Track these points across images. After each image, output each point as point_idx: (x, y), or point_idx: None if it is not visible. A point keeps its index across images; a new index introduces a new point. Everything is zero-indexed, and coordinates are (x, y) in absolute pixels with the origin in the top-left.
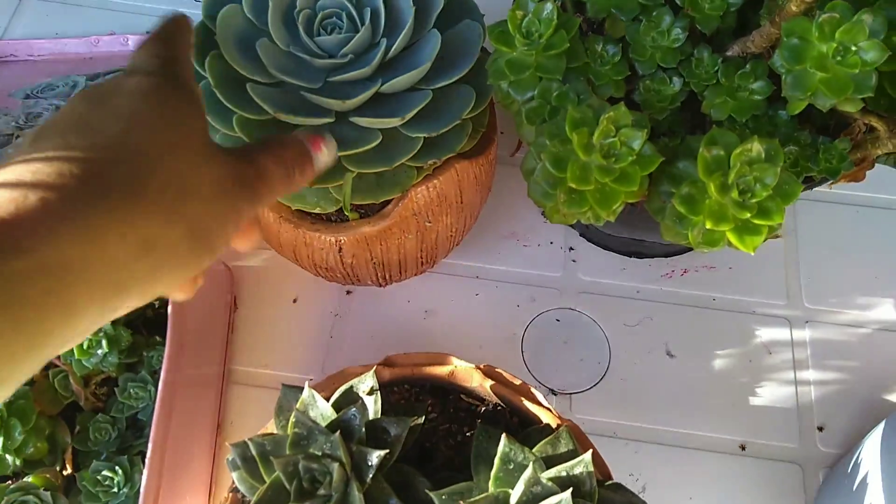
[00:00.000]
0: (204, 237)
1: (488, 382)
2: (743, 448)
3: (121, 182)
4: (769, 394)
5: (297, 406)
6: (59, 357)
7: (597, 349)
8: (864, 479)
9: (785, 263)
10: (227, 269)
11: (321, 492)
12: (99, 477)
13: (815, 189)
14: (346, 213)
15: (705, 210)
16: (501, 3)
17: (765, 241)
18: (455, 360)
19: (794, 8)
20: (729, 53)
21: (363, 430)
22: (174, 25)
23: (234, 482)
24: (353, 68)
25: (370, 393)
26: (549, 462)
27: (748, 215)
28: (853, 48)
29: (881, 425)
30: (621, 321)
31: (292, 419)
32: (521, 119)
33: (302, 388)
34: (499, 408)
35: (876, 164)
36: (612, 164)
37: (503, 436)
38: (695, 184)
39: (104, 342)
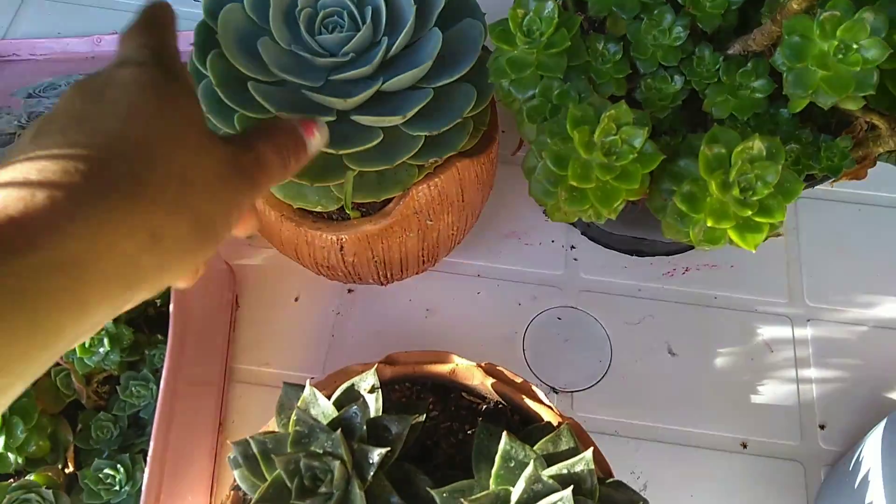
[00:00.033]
0: (209, 225)
1: (489, 380)
2: (744, 446)
3: (125, 176)
4: (771, 392)
5: (299, 404)
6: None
7: (598, 347)
8: (866, 476)
9: (786, 262)
10: (228, 267)
11: (322, 490)
12: (101, 475)
13: (816, 187)
14: (347, 212)
15: (706, 208)
16: (502, 2)
17: (766, 239)
18: (456, 359)
19: (795, 6)
20: (730, 52)
21: (364, 428)
22: (157, 11)
23: (235, 480)
24: (355, 67)
25: (371, 391)
26: (550, 460)
27: (749, 213)
28: (854, 46)
29: (882, 423)
30: (623, 319)
31: (293, 417)
32: (522, 117)
33: (303, 386)
34: (500, 406)
35: (877, 163)
36: (614, 161)
37: (504, 434)
38: (696, 182)
39: (106, 340)
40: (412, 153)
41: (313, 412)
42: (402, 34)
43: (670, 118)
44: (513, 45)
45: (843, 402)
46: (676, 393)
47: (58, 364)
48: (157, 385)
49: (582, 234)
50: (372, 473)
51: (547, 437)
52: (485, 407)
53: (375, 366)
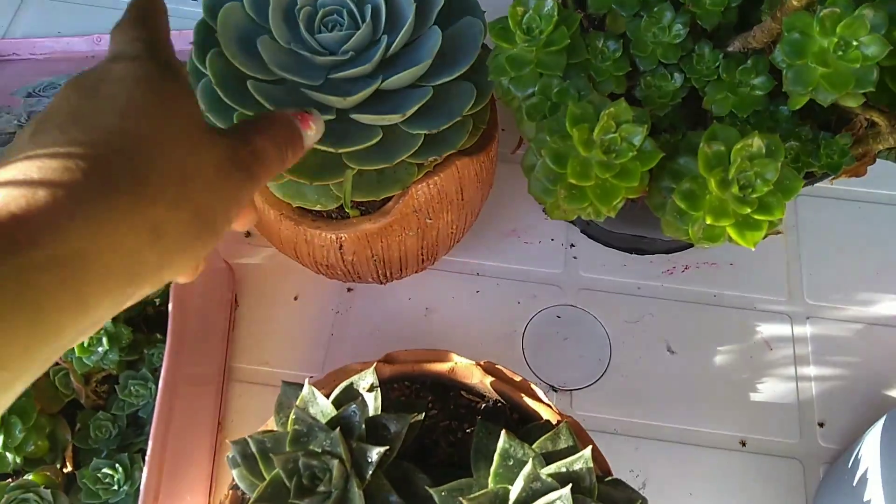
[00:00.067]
0: (209, 219)
1: (488, 379)
2: (743, 444)
3: (126, 172)
4: (770, 390)
5: (297, 403)
6: None
7: (597, 346)
8: (865, 474)
9: (786, 259)
10: (227, 266)
11: (321, 488)
12: (99, 475)
13: (816, 185)
14: (346, 210)
15: (706, 205)
16: (502, 0)
17: (765, 236)
18: (455, 357)
19: (795, 3)
20: (730, 49)
21: (363, 426)
22: (147, 5)
23: (234, 479)
24: (354, 65)
25: (370, 390)
26: (549, 458)
27: (748, 210)
28: (854, 43)
29: (881, 421)
30: (622, 318)
31: (292, 416)
32: (521, 115)
33: (302, 385)
34: (499, 404)
35: (877, 160)
36: (613, 159)
37: (503, 432)
38: (695, 179)
39: (105, 340)
40: (411, 151)
41: (312, 411)
42: (402, 32)
43: (670, 116)
44: (512, 42)
45: (843, 399)
46: (676, 391)
47: (56, 363)
48: (156, 384)
49: (581, 232)
50: (371, 472)
51: (546, 436)
52: (484, 405)
53: (374, 364)
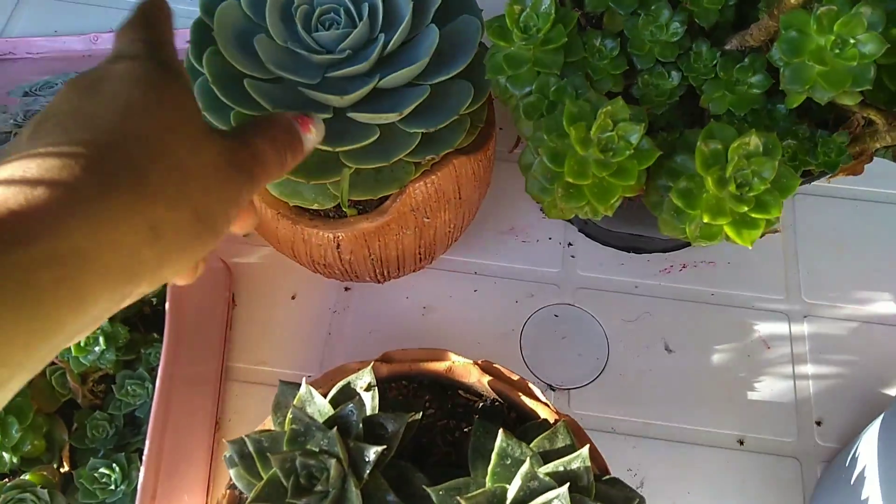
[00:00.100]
0: (208, 219)
1: (486, 378)
2: (741, 443)
3: (125, 170)
4: (767, 388)
5: (295, 402)
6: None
7: (595, 345)
8: (862, 473)
9: (784, 258)
10: (225, 266)
11: (318, 488)
12: (96, 474)
13: (813, 183)
14: (344, 210)
15: (703, 204)
16: None
17: (763, 235)
18: (453, 356)
19: (792, 1)
20: (727, 47)
21: (360, 426)
22: (152, 8)
23: (231, 479)
24: (351, 64)
25: (367, 389)
26: (547, 457)
27: (745, 209)
28: (851, 41)
29: (878, 419)
30: (620, 316)
31: (289, 416)
32: (518, 114)
33: (299, 385)
34: (496, 403)
35: (874, 158)
36: (610, 158)
37: (500, 431)
38: (692, 178)
39: (101, 339)
40: (409, 150)
41: (309, 410)
42: (399, 31)
43: (667, 114)
44: (509, 41)
45: (840, 398)
46: (673, 390)
47: (53, 363)
48: (153, 384)
49: (579, 231)
50: (368, 472)
51: (543, 435)
52: (481, 404)
53: (372, 364)
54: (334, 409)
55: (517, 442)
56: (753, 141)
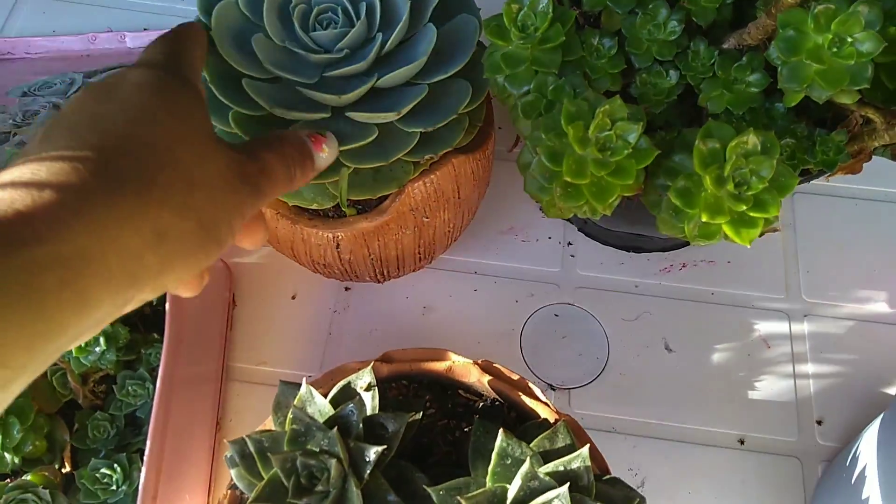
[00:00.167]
0: (212, 229)
1: (486, 378)
2: (742, 442)
3: (133, 175)
4: (768, 388)
5: (295, 402)
6: None
7: (595, 344)
8: (863, 472)
9: (783, 257)
10: (225, 266)
11: (319, 488)
12: (97, 475)
13: (813, 182)
14: (343, 209)
15: (701, 203)
16: None
17: (762, 234)
18: (453, 356)
19: None
20: (725, 46)
21: (361, 426)
22: (185, 27)
23: (232, 479)
24: (349, 63)
25: (368, 389)
26: (547, 457)
27: (744, 208)
28: (849, 39)
29: (879, 418)
30: (620, 316)
31: (290, 416)
32: (517, 113)
33: (300, 385)
34: (497, 403)
35: (873, 157)
36: (608, 157)
37: (501, 431)
38: (691, 177)
39: (102, 340)
40: (407, 150)
41: (310, 410)
42: (397, 30)
43: (666, 113)
44: (507, 40)
45: (841, 397)
46: (674, 389)
47: (54, 364)
48: (154, 384)
49: (579, 230)
50: (368, 471)
51: (543, 434)
52: (481, 404)
53: (372, 364)
54: (335, 409)
55: (517, 442)
56: (751, 140)
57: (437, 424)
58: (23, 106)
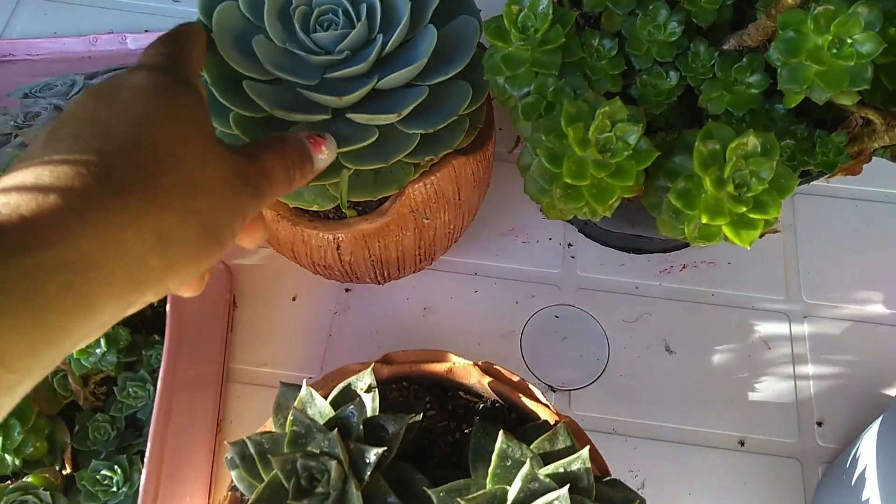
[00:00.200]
0: (214, 231)
1: (486, 379)
2: (742, 443)
3: (136, 179)
4: (768, 389)
5: (296, 404)
6: None
7: (596, 345)
8: (863, 473)
9: (784, 258)
10: (226, 267)
11: (319, 490)
12: (98, 476)
13: (813, 183)
14: (343, 211)
15: (701, 204)
16: None
17: (762, 235)
18: (453, 357)
19: (789, 0)
20: (725, 47)
21: (361, 427)
22: (184, 28)
23: (232, 481)
24: (350, 65)
25: (368, 390)
26: (547, 458)
27: (744, 209)
28: (848, 41)
29: (879, 420)
30: (620, 317)
31: (290, 417)
32: (517, 115)
33: (300, 387)
34: (497, 404)
35: (873, 158)
36: (608, 158)
37: (501, 432)
38: (691, 178)
39: (102, 341)
40: (408, 151)
41: (310, 412)
42: (397, 31)
43: (666, 114)
44: (507, 41)
45: (841, 398)
46: (674, 391)
47: None
48: (154, 386)
49: (579, 231)
50: (369, 473)
51: (544, 436)
52: (482, 406)
53: (372, 365)
54: (335, 410)
55: (517, 443)
56: (751, 141)
57: (438, 426)
58: (24, 107)
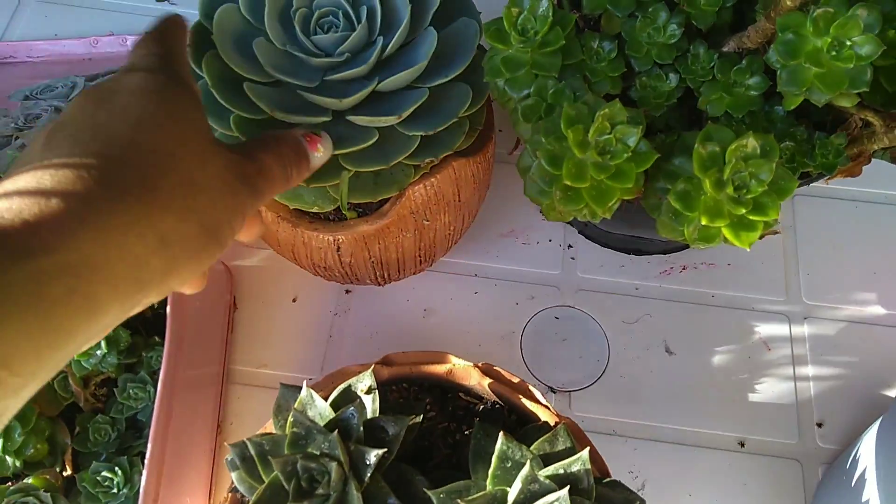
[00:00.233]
0: (214, 231)
1: (486, 380)
2: (742, 444)
3: (136, 182)
4: (768, 390)
5: (296, 406)
6: None
7: (596, 347)
8: (863, 475)
9: (784, 259)
10: (226, 268)
11: (319, 491)
12: (99, 478)
13: (813, 184)
14: (343, 212)
15: (701, 206)
16: (498, 1)
17: (762, 237)
18: (453, 359)
19: (789, 3)
20: (725, 49)
21: (361, 429)
22: (170, 24)
23: (233, 482)
24: (350, 67)
25: (368, 392)
26: (547, 460)
27: (743, 211)
28: (848, 43)
29: (879, 421)
30: (620, 318)
31: (290, 419)
32: (517, 117)
33: (300, 388)
34: (497, 406)
35: (873, 159)
36: (608, 160)
37: (501, 434)
38: (690, 180)
39: (103, 343)
40: (408, 153)
41: (310, 414)
42: (398, 34)
43: (665, 116)
44: (507, 44)
45: (841, 399)
46: (674, 392)
47: None
48: (155, 387)
49: (579, 233)
50: (369, 475)
51: (544, 437)
52: (482, 407)
53: (372, 367)
54: (335, 412)
55: (517, 445)
56: (751, 143)
57: (438, 427)
58: (25, 109)
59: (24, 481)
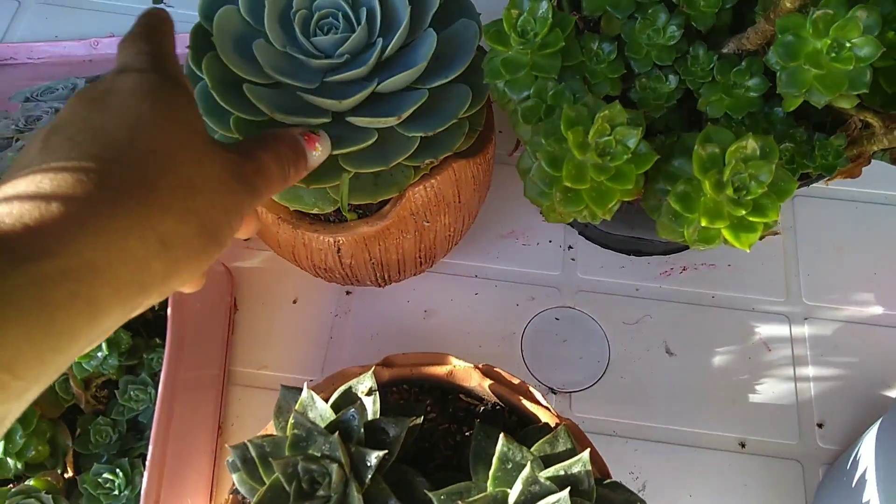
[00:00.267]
0: (213, 231)
1: (487, 382)
2: (742, 445)
3: (135, 184)
4: (768, 391)
5: (297, 407)
6: None
7: (596, 347)
8: (863, 475)
9: (784, 260)
10: (226, 270)
11: (320, 493)
12: (100, 479)
13: (813, 185)
14: (344, 214)
15: (700, 208)
16: (497, 2)
17: (762, 238)
18: (454, 360)
19: (788, 4)
20: (724, 51)
21: (362, 430)
22: (155, 20)
23: (234, 484)
24: (350, 68)
25: (369, 393)
26: (548, 461)
27: (743, 212)
28: (847, 44)
29: (879, 421)
30: (620, 319)
31: (291, 420)
32: (517, 118)
33: (301, 390)
34: (497, 407)
35: (872, 160)
36: (608, 162)
37: (501, 435)
38: (690, 181)
39: (104, 345)
40: (408, 154)
41: (311, 415)
42: (397, 35)
43: (665, 118)
44: (507, 45)
45: (841, 400)
46: (674, 393)
47: None
48: (156, 389)
49: (579, 234)
50: (370, 476)
51: (544, 439)
52: (482, 408)
53: (373, 368)
54: (336, 413)
55: (518, 446)
56: (751, 144)
57: (438, 429)
58: (25, 111)
59: (26, 483)
